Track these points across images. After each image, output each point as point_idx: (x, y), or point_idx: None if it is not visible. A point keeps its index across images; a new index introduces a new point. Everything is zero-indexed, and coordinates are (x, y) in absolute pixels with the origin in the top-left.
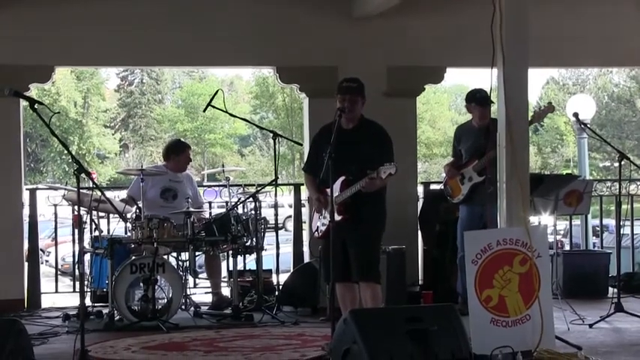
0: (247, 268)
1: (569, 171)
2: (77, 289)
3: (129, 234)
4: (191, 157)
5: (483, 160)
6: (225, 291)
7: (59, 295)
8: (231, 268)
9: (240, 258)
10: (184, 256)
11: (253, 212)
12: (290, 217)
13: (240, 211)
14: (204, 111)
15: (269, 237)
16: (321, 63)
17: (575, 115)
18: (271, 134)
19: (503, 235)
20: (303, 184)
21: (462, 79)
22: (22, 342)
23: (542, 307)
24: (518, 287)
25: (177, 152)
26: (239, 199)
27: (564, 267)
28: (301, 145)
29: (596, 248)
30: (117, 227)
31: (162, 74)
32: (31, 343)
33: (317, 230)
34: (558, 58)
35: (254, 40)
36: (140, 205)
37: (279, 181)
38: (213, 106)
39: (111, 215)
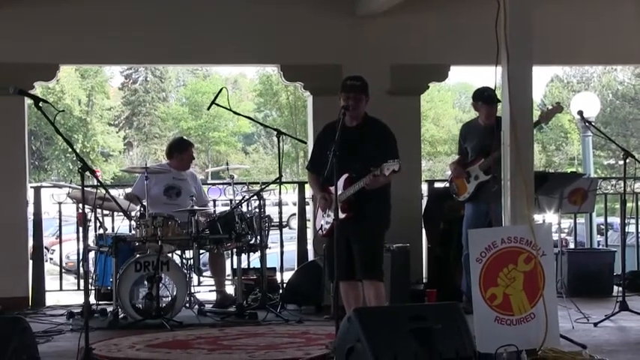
0: (251, 266)
1: (574, 169)
2: (81, 287)
3: (133, 232)
4: (194, 155)
5: (489, 158)
6: (230, 289)
7: (63, 293)
8: (235, 266)
9: (244, 256)
10: (188, 254)
11: (257, 210)
12: (294, 215)
13: (244, 209)
14: (209, 109)
15: (273, 235)
16: (325, 61)
17: (580, 113)
18: (275, 132)
19: (507, 233)
20: (307, 182)
21: (466, 77)
22: (26, 340)
23: (547, 305)
24: (522, 285)
25: (180, 150)
26: (243, 197)
27: (569, 265)
28: (305, 143)
29: (600, 246)
30: (121, 225)
31: (166, 72)
32: (35, 340)
33: (321, 228)
34: (562, 56)
35: (258, 38)
36: (144, 203)
37: (284, 179)
38: (218, 104)
39: (115, 213)
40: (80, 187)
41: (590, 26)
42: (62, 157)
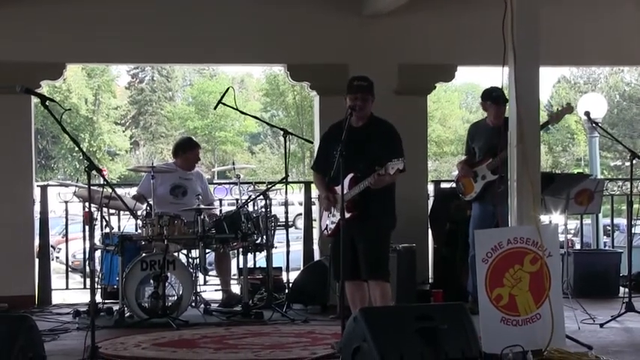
0: (257, 265)
1: (580, 170)
2: (88, 286)
3: (139, 231)
4: (200, 156)
5: (497, 158)
6: (235, 288)
7: (70, 292)
8: (241, 265)
9: (250, 255)
10: (195, 253)
11: (264, 210)
12: (300, 215)
13: (250, 208)
14: (215, 108)
15: (279, 235)
16: (331, 61)
17: (587, 113)
18: (282, 132)
19: (513, 233)
20: (313, 182)
21: (473, 77)
22: (32, 338)
23: (553, 306)
24: (528, 286)
25: (184, 150)
26: (249, 196)
27: (575, 266)
28: (312, 142)
29: (607, 247)
30: (127, 224)
31: (172, 72)
32: (41, 339)
33: (326, 228)
34: (569, 57)
35: (265, 38)
36: (151, 202)
37: (290, 179)
38: (224, 104)
39: (121, 212)
40: (86, 186)
41: (597, 27)
42: (69, 156)
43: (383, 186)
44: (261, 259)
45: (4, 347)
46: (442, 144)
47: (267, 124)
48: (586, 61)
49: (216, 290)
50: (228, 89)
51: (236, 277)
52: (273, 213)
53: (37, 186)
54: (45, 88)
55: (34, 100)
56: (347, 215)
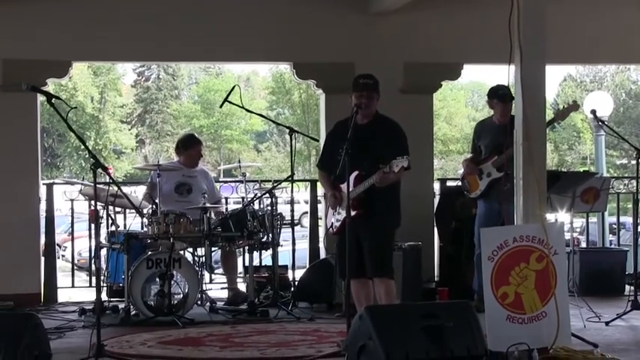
0: (263, 263)
1: (586, 168)
2: (93, 284)
3: (145, 229)
4: (202, 152)
5: (503, 156)
6: (241, 287)
7: (75, 290)
8: (247, 263)
9: (256, 254)
10: (200, 251)
11: (269, 208)
12: (306, 213)
13: (256, 207)
14: (221, 107)
15: (285, 233)
16: (337, 59)
17: (593, 112)
18: (287, 130)
19: (519, 231)
20: (319, 181)
21: (479, 75)
22: (38, 336)
23: (559, 304)
24: (534, 284)
25: (186, 147)
26: (255, 194)
27: (581, 264)
28: (317, 141)
29: (612, 246)
30: (133, 222)
31: (178, 70)
32: (47, 337)
33: (332, 226)
34: (576, 55)
35: (271, 36)
36: (156, 201)
37: (296, 177)
38: (230, 102)
39: (127, 210)
40: (92, 184)
41: (603, 25)
42: (74, 155)
43: (388, 184)
44: (267, 257)
45: (10, 345)
46: (448, 142)
47: (273, 122)
48: (592, 59)
49: (222, 288)
50: (234, 87)
51: (242, 275)
52: (279, 211)
53: (43, 184)
54: (51, 86)
55: (40, 98)
56: (352, 213)
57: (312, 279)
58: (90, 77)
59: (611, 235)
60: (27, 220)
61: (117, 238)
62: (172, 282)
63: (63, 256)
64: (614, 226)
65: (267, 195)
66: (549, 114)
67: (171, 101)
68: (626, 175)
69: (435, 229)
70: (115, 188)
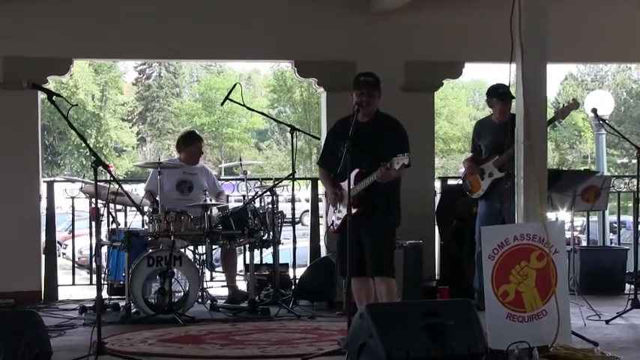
0: (264, 262)
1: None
2: (94, 282)
3: (146, 227)
4: (202, 149)
5: (504, 155)
6: (242, 285)
7: (76, 288)
8: (247, 261)
9: (256, 252)
10: (201, 249)
11: (270, 206)
12: (307, 211)
13: (257, 205)
14: (222, 105)
15: (286, 231)
16: (339, 57)
17: (594, 110)
18: (289, 128)
19: (520, 230)
20: (319, 178)
21: (481, 74)
22: (38, 333)
23: (559, 302)
24: (535, 283)
25: (186, 144)
26: (256, 192)
27: (581, 263)
28: (318, 139)
29: (613, 245)
30: (134, 220)
31: (179, 68)
32: (47, 334)
33: (332, 224)
34: (577, 54)
35: (272, 34)
36: (157, 198)
37: (297, 176)
38: (231, 100)
39: (128, 208)
40: (93, 182)
41: (604, 24)
42: (75, 152)
43: (389, 181)
44: (267, 255)
45: (10, 343)
46: (449, 141)
47: (275, 120)
48: (593, 58)
49: (222, 286)
50: (235, 85)
51: (242, 273)
52: (279, 209)
53: (44, 182)
54: (52, 83)
55: (41, 95)
56: (353, 211)
57: (313, 277)
58: (91, 75)
59: (611, 234)
60: (28, 217)
61: (117, 235)
62: (173, 280)
63: (64, 253)
64: (614, 224)
65: (268, 193)
66: (550, 113)
67: (173, 99)
68: (627, 174)
69: (436, 228)
70: (116, 186)
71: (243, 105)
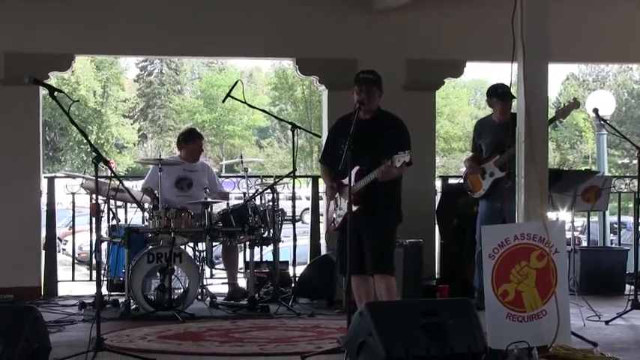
0: (264, 259)
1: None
2: (94, 278)
3: (146, 223)
4: (203, 147)
5: (505, 155)
6: (242, 282)
7: (76, 284)
8: (247, 259)
9: (257, 249)
10: (201, 246)
11: (271, 204)
12: (307, 209)
13: (257, 202)
14: (224, 102)
15: (286, 229)
16: (340, 55)
17: (595, 111)
18: (290, 126)
19: (520, 230)
20: (320, 176)
21: (482, 73)
22: (38, 329)
23: (559, 302)
24: (535, 282)
25: (187, 141)
26: (257, 190)
27: (581, 263)
28: (320, 137)
29: (613, 245)
30: (134, 216)
31: (181, 65)
32: (47, 330)
33: (333, 222)
34: (578, 54)
35: (274, 32)
36: (157, 195)
37: (298, 173)
38: (233, 97)
39: (128, 204)
40: (94, 178)
41: (606, 24)
42: (76, 148)
43: (390, 178)
44: (267, 252)
45: (9, 338)
46: (450, 140)
47: (276, 117)
48: (595, 58)
49: (222, 283)
50: (236, 82)
51: (242, 270)
52: (280, 207)
53: (45, 177)
54: (53, 79)
55: (43, 91)
56: (353, 208)
57: (313, 275)
58: (92, 71)
59: (611, 235)
60: (28, 213)
61: (118, 232)
62: (173, 276)
63: (64, 249)
64: (615, 225)
65: (269, 191)
66: (551, 112)
67: (174, 96)
68: (628, 174)
69: (437, 227)
70: (117, 182)
71: (245, 102)
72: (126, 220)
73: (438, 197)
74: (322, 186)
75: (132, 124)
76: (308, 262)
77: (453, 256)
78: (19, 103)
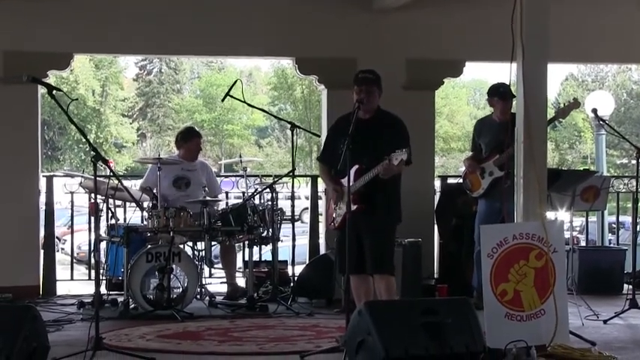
0: (263, 258)
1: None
2: (92, 277)
3: (145, 223)
4: (201, 145)
5: (504, 154)
6: (241, 281)
7: (74, 283)
8: (246, 258)
9: (255, 249)
10: (200, 245)
11: (270, 203)
12: (306, 209)
13: (256, 201)
14: (223, 101)
15: (285, 228)
16: (340, 55)
17: (594, 111)
18: (289, 125)
19: (519, 229)
20: (319, 175)
21: (481, 73)
22: (36, 328)
23: (557, 302)
24: (533, 282)
25: (185, 139)
26: (256, 189)
27: (580, 263)
28: (319, 136)
29: (611, 245)
30: (133, 216)
31: (180, 64)
32: (45, 329)
33: (333, 221)
34: (578, 54)
35: (274, 31)
36: (156, 194)
37: (297, 173)
38: (232, 97)
39: (127, 204)
40: (93, 177)
41: (605, 25)
42: (75, 148)
43: (391, 176)
44: (266, 252)
45: (8, 337)
46: (449, 140)
47: (275, 117)
48: (594, 58)
49: (221, 283)
50: (236, 82)
51: (241, 269)
52: (279, 206)
53: (43, 177)
54: (52, 78)
55: (41, 90)
56: (353, 208)
57: (312, 274)
58: (91, 70)
59: (610, 234)
60: (26, 212)
61: (117, 231)
62: (172, 276)
63: (62, 249)
64: (613, 225)
65: (268, 190)
66: (550, 113)
67: (173, 95)
68: (626, 174)
69: (436, 226)
70: (116, 181)
71: (244, 102)
72: (125, 219)
73: (437, 197)
74: (321, 185)
75: (131, 124)
76: (307, 262)
77: (451, 256)
78: (18, 102)
